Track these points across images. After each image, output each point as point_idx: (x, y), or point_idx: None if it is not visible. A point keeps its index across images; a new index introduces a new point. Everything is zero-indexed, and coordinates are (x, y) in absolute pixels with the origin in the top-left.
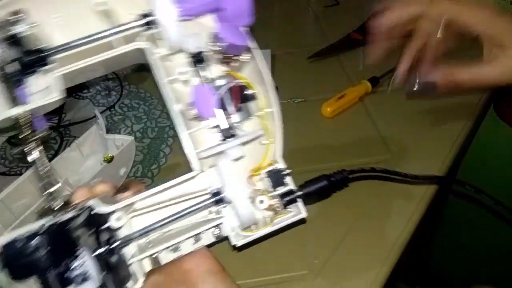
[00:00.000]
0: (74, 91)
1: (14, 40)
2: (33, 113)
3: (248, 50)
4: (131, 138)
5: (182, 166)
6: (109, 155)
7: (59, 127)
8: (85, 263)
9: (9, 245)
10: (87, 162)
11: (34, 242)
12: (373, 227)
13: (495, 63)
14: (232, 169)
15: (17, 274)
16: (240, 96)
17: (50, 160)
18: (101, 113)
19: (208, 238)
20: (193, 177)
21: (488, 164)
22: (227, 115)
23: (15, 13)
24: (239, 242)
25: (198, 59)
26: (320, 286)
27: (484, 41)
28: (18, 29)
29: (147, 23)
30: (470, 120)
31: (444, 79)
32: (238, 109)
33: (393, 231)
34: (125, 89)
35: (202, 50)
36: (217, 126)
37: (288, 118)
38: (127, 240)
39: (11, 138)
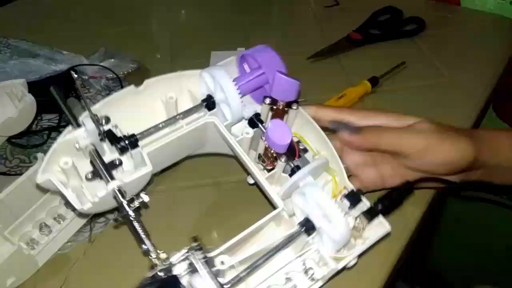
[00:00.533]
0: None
1: (107, 135)
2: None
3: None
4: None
5: (181, 166)
6: None
7: (59, 127)
8: None
9: None
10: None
11: None
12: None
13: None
14: (319, 193)
15: None
16: (297, 151)
17: None
18: None
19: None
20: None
21: None
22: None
23: (106, 118)
24: (350, 264)
25: (254, 120)
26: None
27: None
28: (107, 127)
29: (208, 105)
30: (469, 120)
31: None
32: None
33: (395, 229)
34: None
35: (256, 112)
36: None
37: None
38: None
39: (11, 138)
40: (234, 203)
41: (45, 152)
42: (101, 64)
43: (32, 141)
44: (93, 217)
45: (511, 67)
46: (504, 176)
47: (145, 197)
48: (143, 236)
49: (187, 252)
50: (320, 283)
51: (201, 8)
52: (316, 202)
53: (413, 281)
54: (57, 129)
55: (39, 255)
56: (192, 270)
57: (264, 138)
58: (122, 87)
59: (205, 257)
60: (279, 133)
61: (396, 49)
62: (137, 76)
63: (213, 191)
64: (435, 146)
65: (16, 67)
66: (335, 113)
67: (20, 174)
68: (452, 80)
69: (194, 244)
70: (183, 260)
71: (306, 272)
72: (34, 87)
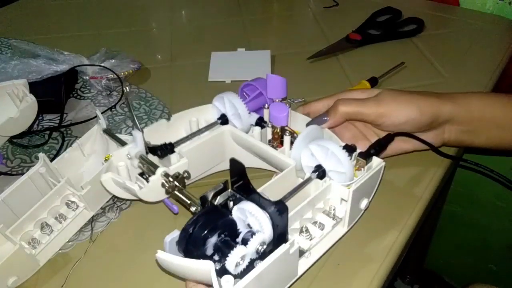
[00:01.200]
0: (75, 91)
1: (150, 149)
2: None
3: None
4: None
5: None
6: (110, 155)
7: (61, 127)
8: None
9: (184, 229)
10: (88, 162)
11: (199, 222)
12: (375, 219)
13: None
14: (325, 141)
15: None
16: (295, 132)
17: (51, 160)
18: (102, 113)
19: (327, 222)
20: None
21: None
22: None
23: (147, 143)
24: (353, 184)
25: (260, 124)
26: (318, 282)
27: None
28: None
29: (223, 121)
30: None
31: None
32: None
33: (401, 216)
34: (126, 89)
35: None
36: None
37: None
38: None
39: (12, 138)
40: None
41: (46, 152)
42: (102, 64)
43: (33, 141)
44: (94, 217)
45: (510, 67)
46: (487, 135)
47: (184, 162)
48: (189, 201)
49: (224, 187)
50: (343, 224)
51: (201, 8)
52: (324, 146)
53: (411, 280)
54: (58, 129)
55: (40, 255)
56: (235, 203)
57: (270, 125)
58: (123, 87)
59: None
60: (278, 108)
61: (395, 49)
62: (138, 77)
63: None
64: (392, 109)
65: (17, 68)
66: (317, 104)
67: (22, 174)
68: (451, 80)
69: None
70: (225, 195)
71: (328, 213)
72: (35, 88)
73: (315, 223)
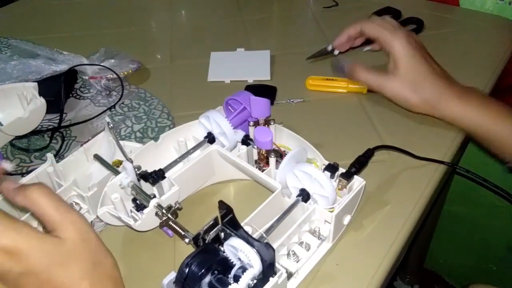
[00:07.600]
0: (75, 91)
1: (141, 176)
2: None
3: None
4: (139, 145)
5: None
6: (117, 159)
7: (60, 128)
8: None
9: (179, 272)
10: (94, 165)
11: (194, 262)
12: (375, 220)
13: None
14: (307, 166)
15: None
16: (283, 153)
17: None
18: (101, 113)
19: (313, 241)
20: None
21: (485, 166)
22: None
23: (137, 166)
24: (336, 209)
25: (246, 142)
26: (318, 282)
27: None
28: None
29: (210, 140)
30: None
31: (348, 69)
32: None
33: (394, 226)
34: (125, 89)
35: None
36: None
37: (287, 119)
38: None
39: (12, 140)
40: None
41: (45, 152)
42: (101, 64)
43: (32, 141)
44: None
45: (510, 67)
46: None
47: (175, 190)
48: (182, 232)
49: (215, 223)
50: (327, 240)
51: (201, 8)
52: (307, 172)
53: (411, 280)
54: (58, 129)
55: None
56: (225, 236)
57: (255, 147)
58: (122, 87)
59: (231, 223)
60: (262, 133)
61: None
62: (138, 77)
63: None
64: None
65: (17, 68)
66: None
67: (21, 174)
68: None
69: (222, 211)
70: (216, 231)
71: (313, 233)
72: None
73: (301, 243)
